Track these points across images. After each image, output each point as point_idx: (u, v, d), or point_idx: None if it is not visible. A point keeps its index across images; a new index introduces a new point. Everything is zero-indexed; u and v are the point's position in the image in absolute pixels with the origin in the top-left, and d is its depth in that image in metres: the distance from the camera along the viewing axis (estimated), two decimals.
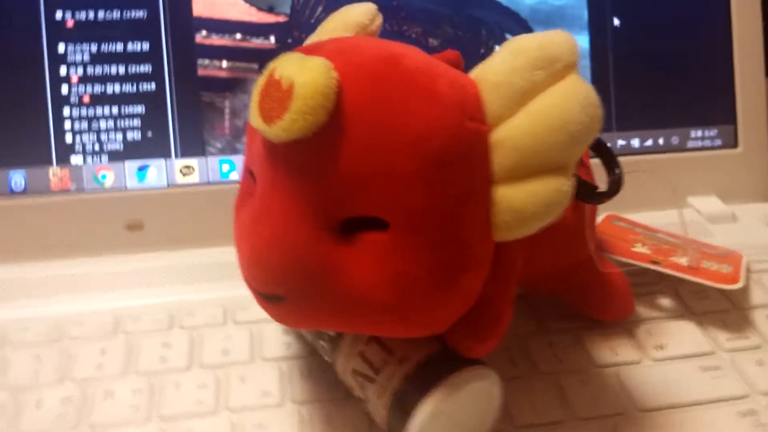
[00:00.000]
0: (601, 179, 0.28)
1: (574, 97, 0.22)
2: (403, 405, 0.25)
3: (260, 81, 0.23)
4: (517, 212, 0.23)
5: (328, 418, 0.29)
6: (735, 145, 0.45)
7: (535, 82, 0.22)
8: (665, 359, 0.32)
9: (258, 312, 0.35)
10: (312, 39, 0.31)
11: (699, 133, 0.45)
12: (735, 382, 0.31)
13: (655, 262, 0.34)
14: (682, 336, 0.34)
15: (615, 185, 0.29)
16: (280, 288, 0.23)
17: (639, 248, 0.36)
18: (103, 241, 0.40)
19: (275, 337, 0.33)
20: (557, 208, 0.22)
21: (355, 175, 0.22)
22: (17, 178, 0.40)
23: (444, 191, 0.22)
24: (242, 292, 0.36)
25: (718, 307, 0.35)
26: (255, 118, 0.22)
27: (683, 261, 0.35)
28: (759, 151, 0.45)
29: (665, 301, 0.36)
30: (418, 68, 0.23)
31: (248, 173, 0.27)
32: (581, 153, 0.23)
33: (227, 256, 0.39)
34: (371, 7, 0.29)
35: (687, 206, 0.44)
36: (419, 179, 0.22)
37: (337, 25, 0.28)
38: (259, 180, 0.25)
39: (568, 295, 0.33)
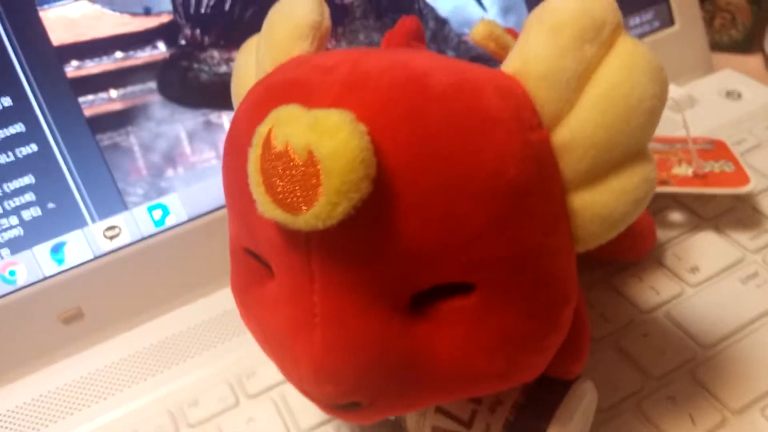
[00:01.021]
0: None
1: (638, 66, 0.18)
2: None
3: (254, 154, 0.17)
4: (605, 219, 0.19)
5: None
6: (672, 22, 0.43)
7: (588, 60, 0.18)
8: (704, 282, 0.31)
9: (270, 375, 0.30)
10: (248, 56, 0.25)
11: (637, 20, 0.43)
12: None
13: (664, 182, 0.33)
14: (708, 249, 0.32)
15: None
16: (360, 396, 0.19)
17: None
18: (39, 347, 0.33)
19: (303, 400, 0.29)
20: (647, 200, 0.19)
21: (418, 246, 0.17)
22: None
23: (530, 228, 0.18)
24: (238, 354, 0.31)
25: (725, 206, 0.34)
26: (267, 206, 0.17)
27: (688, 171, 0.33)
28: (694, 24, 0.43)
29: (675, 216, 0.35)
30: (452, 84, 0.18)
31: (245, 253, 0.22)
32: (656, 128, 0.19)
33: (199, 314, 0.34)
34: None
35: None
36: (498, 224, 0.18)
37: (288, 33, 0.22)
38: (281, 272, 0.19)
39: (599, 249, 0.30)
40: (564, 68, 0.18)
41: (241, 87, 0.24)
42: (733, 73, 0.44)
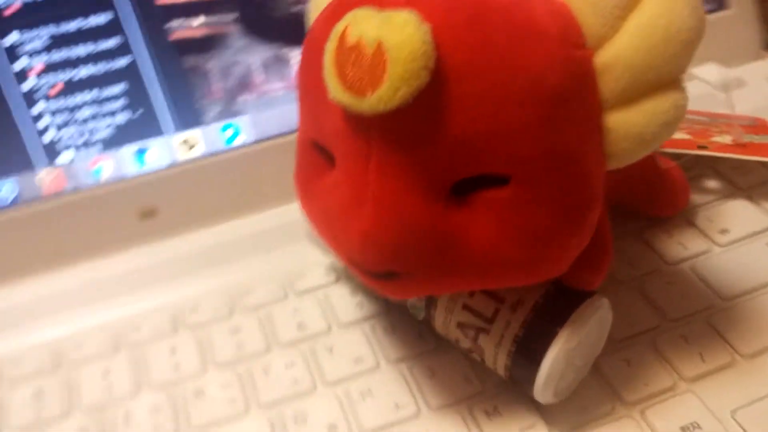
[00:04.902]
0: None
1: (679, 0, 0.20)
2: (529, 351, 0.24)
3: (330, 47, 0.20)
4: (636, 137, 0.21)
5: (431, 372, 0.29)
6: (725, 6, 0.44)
7: None
8: (732, 243, 0.33)
9: (317, 277, 0.34)
10: None
11: None
12: None
13: (702, 147, 0.34)
14: (740, 215, 0.34)
15: None
16: (397, 266, 0.22)
17: (677, 134, 0.36)
18: (119, 236, 0.37)
19: (345, 300, 0.32)
20: (676, 125, 0.21)
21: (466, 135, 0.20)
22: (5, 189, 0.36)
23: (564, 132, 0.21)
24: (291, 259, 0.35)
25: (762, 178, 0.36)
26: (338, 91, 0.20)
27: (727, 140, 0.35)
28: (748, 9, 0.44)
29: (711, 183, 0.36)
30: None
31: (313, 147, 0.25)
32: (691, 60, 0.21)
33: (260, 223, 0.37)
34: None
35: (692, 78, 0.44)
36: (538, 126, 0.20)
37: None
38: (343, 156, 0.22)
39: (632, 198, 0.32)
40: None
41: (316, 6, 0.27)
42: None
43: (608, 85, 0.21)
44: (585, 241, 0.23)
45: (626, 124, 0.21)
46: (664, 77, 0.21)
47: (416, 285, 0.23)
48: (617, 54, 0.21)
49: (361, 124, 0.21)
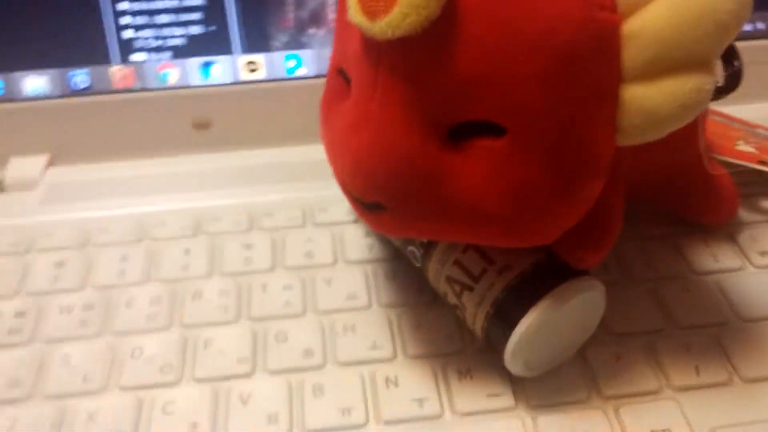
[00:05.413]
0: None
1: None
2: (505, 315, 0.24)
3: None
4: (649, 115, 0.20)
5: (417, 323, 0.29)
6: None
7: None
8: None
9: (338, 213, 0.34)
10: None
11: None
12: None
13: (763, 162, 0.32)
14: None
15: (734, 79, 0.27)
16: (383, 196, 0.22)
17: (743, 146, 0.33)
18: (170, 140, 0.39)
19: (357, 239, 0.33)
20: (696, 110, 0.20)
21: (469, 77, 0.20)
22: (79, 77, 0.39)
23: (570, 92, 0.20)
24: (320, 192, 0.36)
25: None
26: (355, 14, 0.20)
27: None
28: None
29: None
30: None
31: (338, 73, 0.25)
32: (725, 45, 0.20)
33: (300, 155, 0.38)
34: None
35: None
36: (544, 79, 0.19)
37: None
38: (355, 82, 0.23)
39: (671, 198, 0.31)
40: None
41: None
42: None
43: (631, 54, 0.20)
44: (577, 212, 0.22)
45: (642, 98, 0.20)
46: (693, 57, 0.20)
47: (399, 222, 0.23)
48: (646, 24, 0.20)
49: (373, 50, 0.21)
